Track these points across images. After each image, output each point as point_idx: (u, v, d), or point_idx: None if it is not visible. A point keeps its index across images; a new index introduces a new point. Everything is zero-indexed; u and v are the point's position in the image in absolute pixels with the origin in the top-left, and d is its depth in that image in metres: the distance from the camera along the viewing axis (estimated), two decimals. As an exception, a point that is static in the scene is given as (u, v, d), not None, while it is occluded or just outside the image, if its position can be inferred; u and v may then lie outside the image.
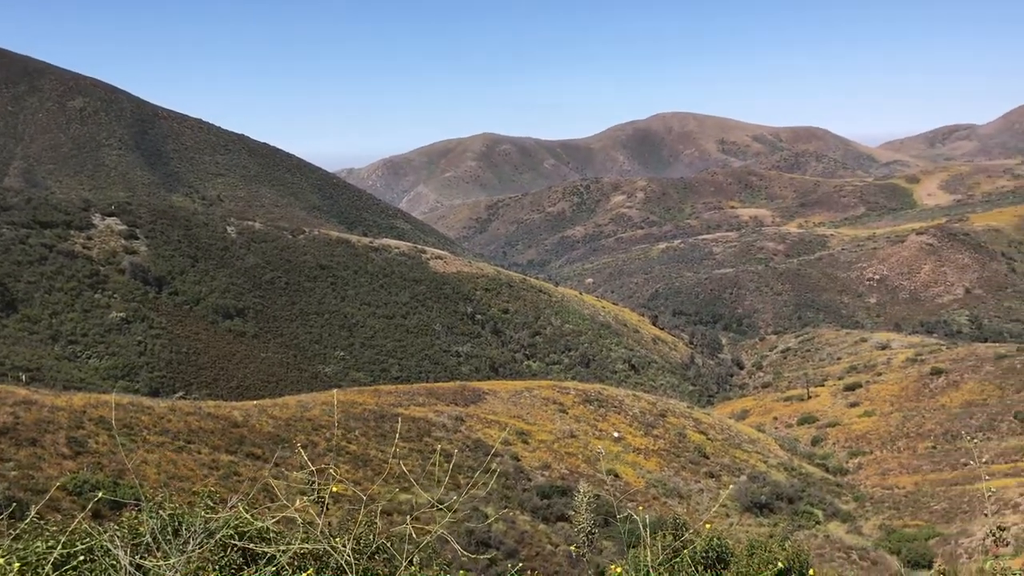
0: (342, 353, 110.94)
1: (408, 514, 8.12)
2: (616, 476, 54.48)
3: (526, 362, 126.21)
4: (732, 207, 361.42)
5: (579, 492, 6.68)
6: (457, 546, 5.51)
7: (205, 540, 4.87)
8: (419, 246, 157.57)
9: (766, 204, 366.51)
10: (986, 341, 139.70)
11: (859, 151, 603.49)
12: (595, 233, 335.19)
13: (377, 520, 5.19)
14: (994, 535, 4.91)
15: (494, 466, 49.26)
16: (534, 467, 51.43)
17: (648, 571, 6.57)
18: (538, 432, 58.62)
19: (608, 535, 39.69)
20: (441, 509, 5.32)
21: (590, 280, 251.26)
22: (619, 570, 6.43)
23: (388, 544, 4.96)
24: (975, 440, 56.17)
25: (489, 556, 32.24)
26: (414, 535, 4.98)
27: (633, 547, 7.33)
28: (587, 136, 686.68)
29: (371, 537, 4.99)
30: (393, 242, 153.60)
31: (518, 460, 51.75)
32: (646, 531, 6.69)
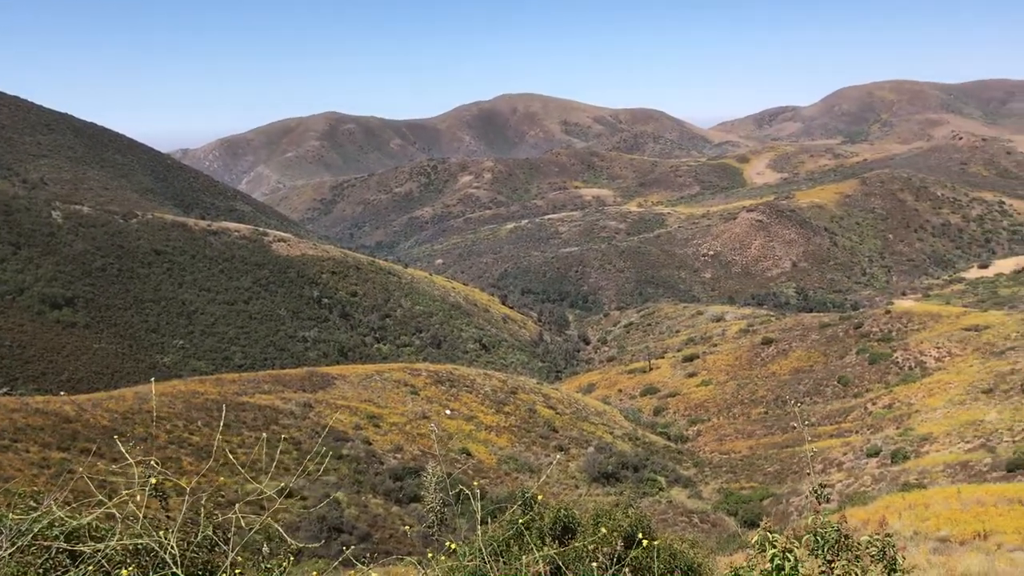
0: (181, 342, 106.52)
1: (251, 503, 7.87)
2: (468, 454, 54.91)
3: (376, 345, 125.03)
4: (576, 187, 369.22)
5: (427, 472, 6.69)
6: (289, 538, 5.37)
7: (21, 541, 4.54)
8: (261, 229, 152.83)
9: (608, 184, 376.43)
10: (811, 311, 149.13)
11: (693, 132, 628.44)
12: (444, 214, 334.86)
13: (215, 512, 4.99)
14: (816, 493, 5.23)
15: (345, 451, 48.67)
16: (386, 450, 51.15)
17: (480, 547, 6.67)
18: (390, 415, 58.30)
19: (461, 513, 40.05)
20: (275, 498, 5.17)
21: (440, 261, 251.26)
22: (454, 546, 6.71)
23: (216, 535, 4.77)
24: (800, 405, 59.88)
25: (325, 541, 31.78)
26: (243, 524, 4.82)
27: (485, 523, 7.40)
28: (433, 116, 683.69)
29: (206, 529, 4.79)
30: (233, 225, 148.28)
31: (370, 444, 51.32)
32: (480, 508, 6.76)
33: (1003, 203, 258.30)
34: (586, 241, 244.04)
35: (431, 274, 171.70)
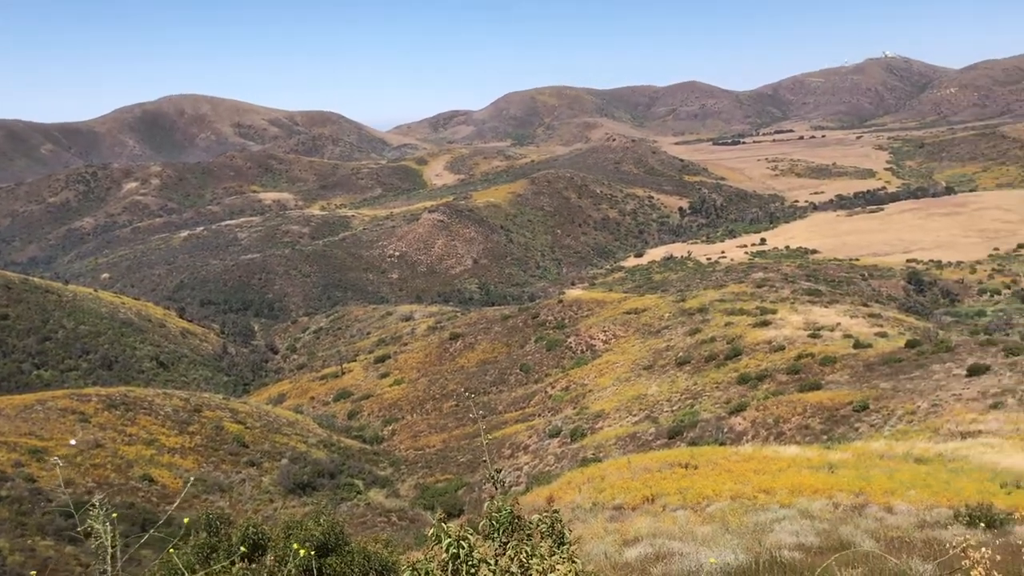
0: None
1: None
2: (151, 481, 51.35)
3: (36, 372, 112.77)
4: (254, 191, 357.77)
5: (94, 506, 6.09)
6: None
7: None
8: None
9: (288, 187, 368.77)
10: (493, 305, 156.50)
11: (372, 135, 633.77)
12: (108, 224, 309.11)
13: None
14: (492, 479, 5.49)
15: (3, 492, 43.53)
16: (53, 486, 46.37)
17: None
18: (56, 447, 52.91)
19: (146, 543, 37.29)
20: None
21: (106, 275, 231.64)
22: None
23: None
24: (487, 395, 62.69)
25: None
26: None
27: (172, 550, 6.98)
28: (91, 119, 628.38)
29: None
30: None
31: (34, 481, 46.28)
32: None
33: (652, 198, 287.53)
34: (268, 247, 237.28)
35: (96, 290, 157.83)
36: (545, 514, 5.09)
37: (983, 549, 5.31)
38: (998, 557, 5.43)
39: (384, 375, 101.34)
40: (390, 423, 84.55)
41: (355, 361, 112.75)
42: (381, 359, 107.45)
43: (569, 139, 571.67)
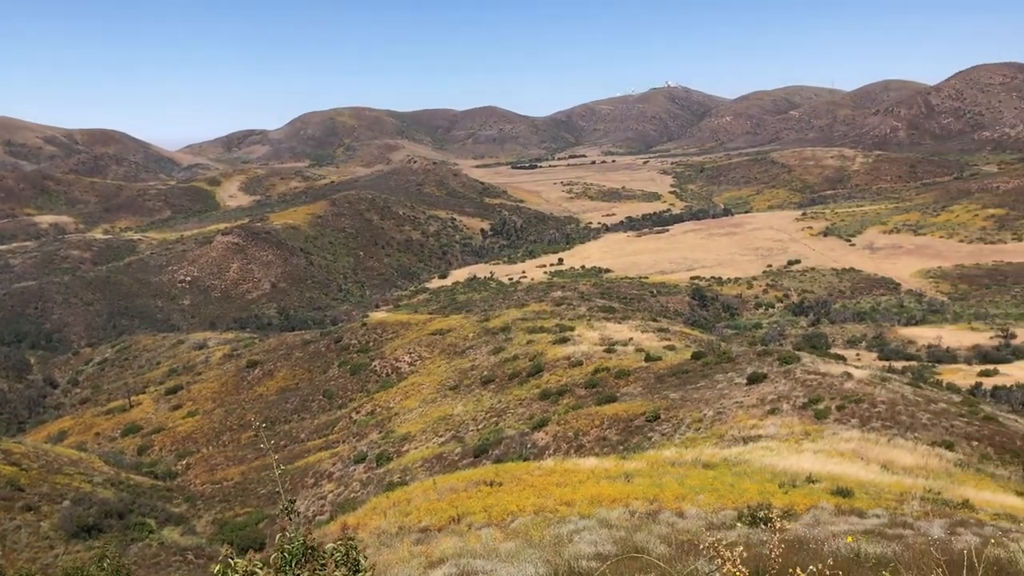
0: None
1: None
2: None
3: None
4: (28, 214, 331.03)
5: None
6: None
7: None
8: None
9: (68, 210, 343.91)
10: (294, 330, 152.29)
11: (160, 154, 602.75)
12: None
13: None
14: (286, 510, 5.31)
15: None
16: None
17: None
18: None
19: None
20: None
21: None
22: None
23: None
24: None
25: None
26: None
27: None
28: None
29: None
30: None
31: None
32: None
33: (455, 219, 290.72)
34: (45, 273, 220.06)
35: None
36: (339, 542, 4.98)
37: (738, 549, 6.29)
38: (746, 554, 6.36)
39: (176, 407, 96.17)
40: (184, 457, 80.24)
41: (144, 393, 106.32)
42: (173, 390, 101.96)
43: (370, 160, 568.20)
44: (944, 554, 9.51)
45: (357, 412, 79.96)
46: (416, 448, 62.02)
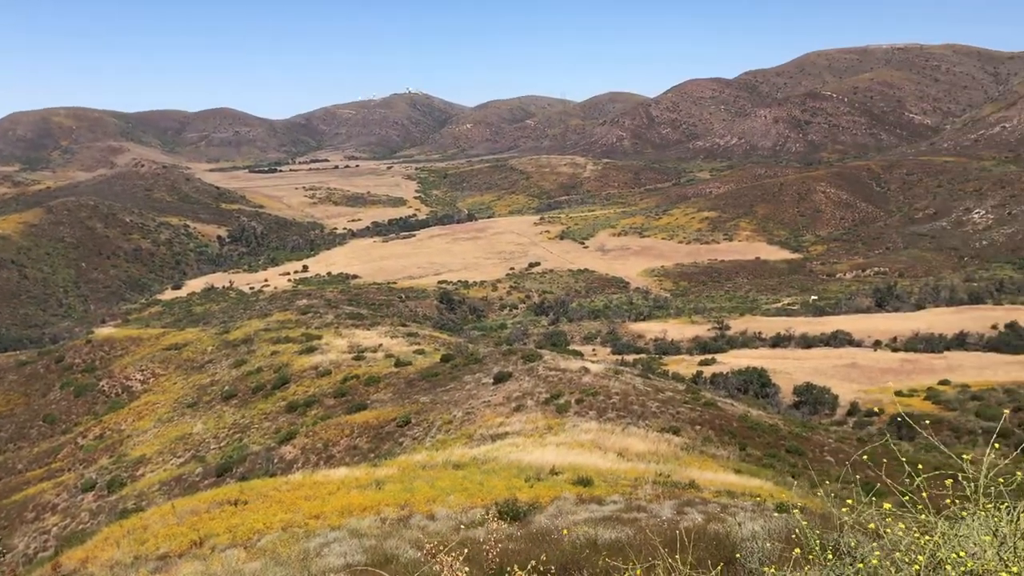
0: None
1: None
2: None
3: None
4: None
5: None
6: None
7: None
8: None
9: None
10: (6, 351, 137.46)
11: None
12: None
13: None
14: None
15: None
16: None
17: None
18: None
19: None
20: None
21: None
22: None
23: None
24: (3, 454, 54.95)
25: None
26: None
27: None
28: None
29: None
30: None
31: None
32: None
33: (188, 226, 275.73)
34: None
35: None
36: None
37: (454, 553, 6.85)
38: (466, 550, 6.92)
39: None
40: None
41: None
42: None
43: (91, 164, 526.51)
44: (672, 533, 10.20)
45: (84, 436, 73.67)
46: (152, 471, 58.13)
